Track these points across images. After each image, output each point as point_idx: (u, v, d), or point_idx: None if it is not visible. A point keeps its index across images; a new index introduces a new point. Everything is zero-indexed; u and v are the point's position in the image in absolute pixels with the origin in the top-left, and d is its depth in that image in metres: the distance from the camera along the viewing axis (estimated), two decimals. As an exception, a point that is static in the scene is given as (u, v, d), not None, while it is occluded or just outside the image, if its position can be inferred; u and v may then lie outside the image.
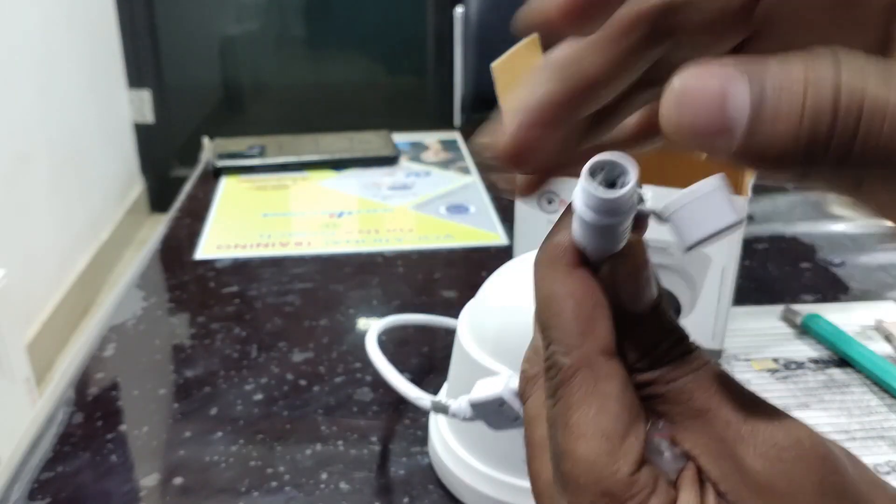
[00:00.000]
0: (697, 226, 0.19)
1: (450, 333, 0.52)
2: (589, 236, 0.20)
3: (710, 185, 0.19)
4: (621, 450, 0.19)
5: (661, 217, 0.20)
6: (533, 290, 0.22)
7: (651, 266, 0.21)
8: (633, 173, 0.19)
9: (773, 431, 0.18)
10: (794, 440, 0.18)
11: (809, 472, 0.18)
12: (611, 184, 0.19)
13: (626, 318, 0.21)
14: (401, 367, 0.53)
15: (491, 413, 0.30)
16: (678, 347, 0.20)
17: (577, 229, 0.20)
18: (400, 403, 0.50)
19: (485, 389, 0.30)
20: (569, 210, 0.21)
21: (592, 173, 0.19)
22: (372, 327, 0.47)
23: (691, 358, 0.20)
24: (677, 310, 0.51)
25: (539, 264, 0.21)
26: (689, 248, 0.19)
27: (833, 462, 0.18)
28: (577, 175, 0.20)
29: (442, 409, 0.35)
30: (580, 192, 0.20)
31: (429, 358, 0.55)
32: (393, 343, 0.56)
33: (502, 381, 0.29)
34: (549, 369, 0.20)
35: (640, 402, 0.20)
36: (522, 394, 0.23)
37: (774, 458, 0.18)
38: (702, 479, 0.19)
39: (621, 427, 0.19)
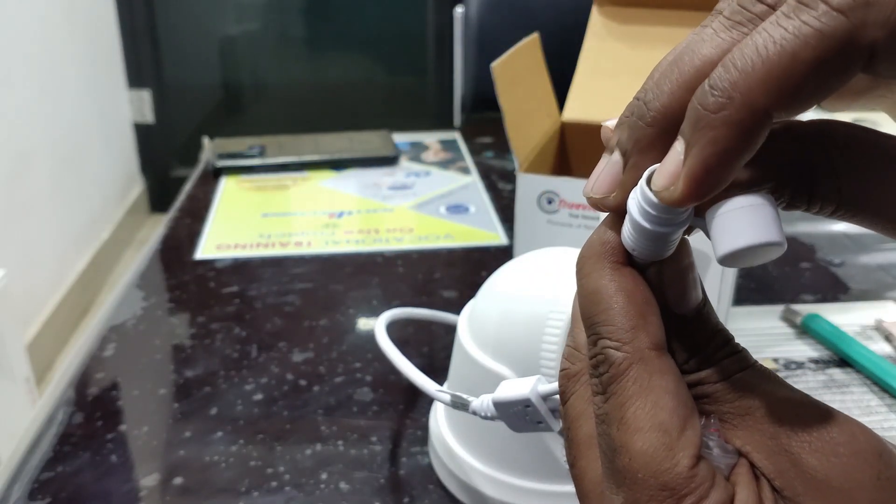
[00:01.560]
0: (734, 236, 0.18)
1: (450, 333, 0.52)
2: (641, 241, 0.20)
3: (758, 199, 0.19)
4: (679, 444, 0.18)
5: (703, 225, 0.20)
6: (578, 286, 0.21)
7: (696, 268, 0.21)
8: None
9: (827, 427, 0.18)
10: (849, 436, 0.18)
11: (866, 467, 0.18)
12: None
13: (672, 320, 0.20)
14: (401, 367, 0.54)
15: (514, 414, 0.30)
16: (725, 348, 0.20)
17: (629, 233, 0.20)
18: (400, 404, 0.50)
19: (511, 389, 0.30)
20: (615, 210, 0.21)
21: (650, 181, 0.19)
22: (379, 319, 0.46)
23: (738, 358, 0.20)
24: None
25: (585, 260, 0.21)
26: (723, 259, 0.19)
27: (889, 457, 0.18)
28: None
29: (462, 405, 0.34)
30: (639, 198, 0.20)
31: (429, 358, 0.55)
32: (393, 342, 0.56)
33: (530, 383, 0.29)
34: (597, 366, 0.20)
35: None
36: (563, 392, 0.22)
37: (830, 453, 0.18)
38: (756, 474, 0.19)
39: (678, 421, 0.19)
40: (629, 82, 0.61)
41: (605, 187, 0.21)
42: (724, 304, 0.50)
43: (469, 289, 0.64)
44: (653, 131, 0.19)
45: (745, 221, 0.18)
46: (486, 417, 0.32)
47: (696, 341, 0.20)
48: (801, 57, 0.16)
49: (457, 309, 0.44)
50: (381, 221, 0.77)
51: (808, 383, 0.50)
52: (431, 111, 2.52)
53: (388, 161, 0.92)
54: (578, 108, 0.58)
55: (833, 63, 0.16)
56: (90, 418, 0.49)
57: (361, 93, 2.59)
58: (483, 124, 1.08)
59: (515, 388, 0.29)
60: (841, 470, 0.17)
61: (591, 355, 0.20)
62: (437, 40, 2.44)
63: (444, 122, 1.23)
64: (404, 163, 0.93)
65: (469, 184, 0.87)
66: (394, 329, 0.56)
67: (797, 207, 0.19)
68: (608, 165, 0.21)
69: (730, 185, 0.18)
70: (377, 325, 0.46)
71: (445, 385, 0.47)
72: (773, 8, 0.18)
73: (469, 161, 0.93)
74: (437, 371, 0.53)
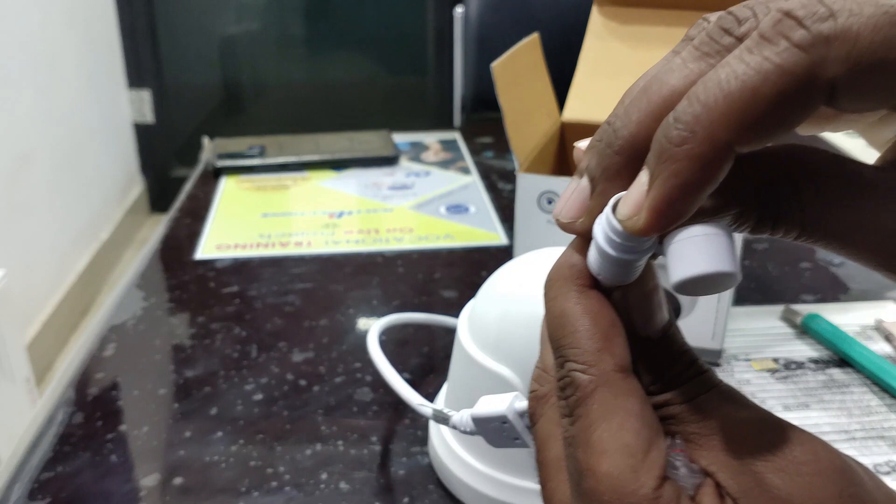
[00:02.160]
0: (688, 264, 0.19)
1: (450, 333, 0.52)
2: (606, 267, 0.20)
3: (714, 229, 0.19)
4: (644, 465, 0.19)
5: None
6: (545, 308, 0.22)
7: (661, 290, 0.21)
8: None
9: (790, 447, 0.18)
10: (812, 454, 0.18)
11: (828, 484, 0.18)
12: None
13: (638, 342, 0.21)
14: (401, 367, 0.54)
15: (492, 430, 0.30)
16: (690, 369, 0.20)
17: (594, 259, 0.21)
18: (400, 404, 0.50)
19: (489, 406, 0.30)
20: (582, 235, 0.21)
21: (616, 209, 0.19)
22: (372, 328, 0.47)
23: (703, 379, 0.20)
24: (677, 310, 0.51)
25: (551, 283, 0.21)
26: (677, 286, 0.19)
27: (850, 474, 0.18)
28: None
29: (443, 419, 0.35)
30: (604, 226, 0.20)
31: (429, 358, 0.55)
32: (393, 343, 0.56)
33: (507, 400, 0.29)
34: (564, 388, 0.20)
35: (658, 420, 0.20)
36: (533, 414, 0.22)
37: (793, 472, 0.18)
38: (721, 494, 0.19)
39: (643, 442, 0.19)
40: (629, 82, 0.61)
41: (573, 212, 0.21)
42: (724, 305, 0.50)
43: (469, 289, 0.64)
44: (620, 159, 0.19)
45: (699, 250, 0.18)
46: (465, 432, 0.32)
47: (661, 363, 0.21)
48: (762, 92, 0.16)
49: (457, 309, 0.44)
50: (381, 221, 0.77)
51: (808, 383, 0.50)
52: (431, 111, 2.52)
53: (389, 161, 0.92)
54: (578, 108, 0.58)
55: (794, 98, 0.16)
56: (90, 418, 0.49)
57: (361, 93, 2.59)
58: (483, 124, 1.08)
59: (493, 404, 0.30)
60: (804, 488, 0.18)
61: (559, 377, 0.20)
62: (437, 40, 2.43)
63: (444, 122, 1.23)
64: (404, 163, 0.93)
65: (469, 184, 0.87)
66: (394, 329, 0.56)
67: (762, 232, 0.20)
68: (577, 190, 0.21)
69: (695, 212, 0.18)
70: (370, 335, 0.46)
71: (445, 385, 0.47)
72: (741, 40, 0.18)
73: (469, 161, 0.93)
74: (438, 371, 0.53)
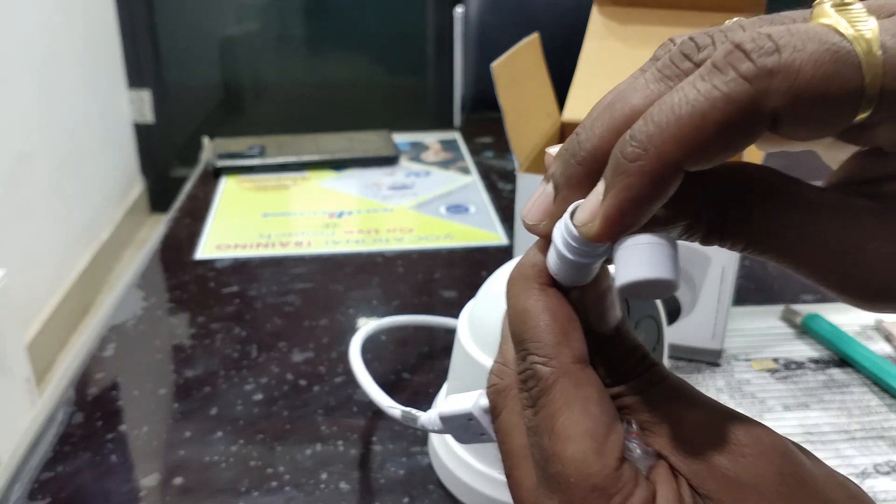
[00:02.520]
0: (632, 269, 0.20)
1: (450, 333, 0.52)
2: (564, 269, 0.22)
3: (658, 239, 0.20)
4: (605, 448, 0.20)
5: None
6: (507, 306, 0.23)
7: (614, 291, 0.23)
8: None
9: (735, 431, 0.20)
10: (754, 438, 0.20)
11: (770, 464, 0.19)
12: None
13: (593, 339, 0.22)
14: (401, 366, 0.54)
15: (459, 427, 0.32)
16: (642, 363, 0.22)
17: (553, 260, 0.22)
18: (401, 403, 0.50)
19: (455, 404, 0.32)
20: (544, 238, 0.23)
21: (574, 216, 0.21)
22: (356, 335, 0.47)
23: (654, 372, 0.22)
24: (677, 310, 0.51)
25: (514, 282, 0.23)
26: (622, 289, 0.20)
27: (790, 455, 0.20)
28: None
29: (411, 419, 0.37)
30: (563, 230, 0.21)
31: (429, 357, 0.55)
32: (393, 343, 0.56)
33: (473, 398, 0.31)
34: (526, 381, 0.22)
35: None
36: (494, 407, 0.24)
37: (738, 454, 0.20)
38: (675, 474, 0.20)
39: (603, 427, 0.21)
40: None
41: (537, 215, 0.22)
42: (724, 305, 0.50)
43: (469, 289, 0.64)
44: (582, 170, 0.21)
45: (643, 258, 0.20)
46: (433, 431, 0.34)
47: (615, 358, 0.22)
48: (710, 118, 0.18)
49: (457, 309, 0.44)
50: (381, 221, 0.77)
51: (808, 383, 0.50)
52: (431, 111, 2.52)
53: (389, 161, 0.92)
54: (578, 107, 0.58)
55: (738, 125, 0.18)
56: (90, 418, 0.49)
57: (361, 93, 2.59)
58: (483, 124, 1.08)
59: (459, 402, 0.31)
60: (749, 468, 0.19)
61: (520, 370, 0.22)
62: (437, 40, 2.43)
63: (444, 122, 1.23)
64: (404, 163, 0.93)
65: (469, 184, 0.87)
66: (394, 329, 0.56)
67: (711, 243, 0.21)
68: (542, 195, 0.23)
69: (649, 220, 0.20)
70: (353, 341, 0.47)
71: (445, 385, 0.47)
72: (698, 66, 0.19)
73: (469, 161, 0.93)
74: (438, 371, 0.53)
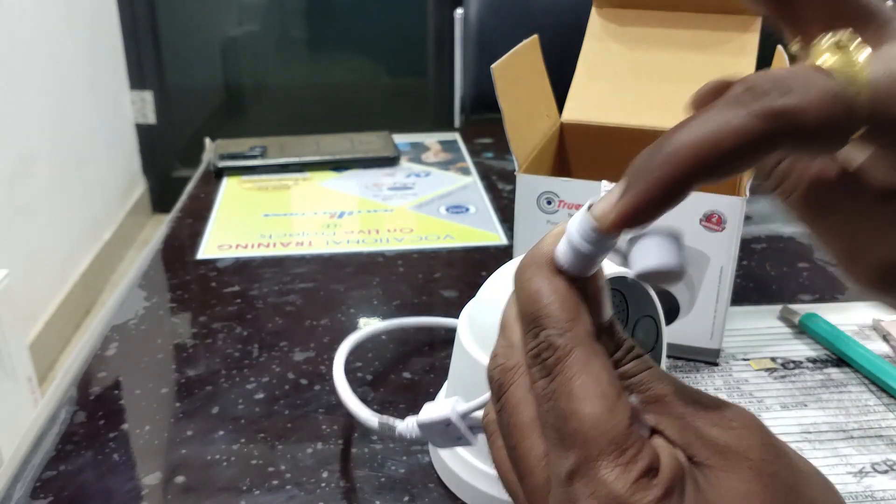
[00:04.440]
0: (650, 257, 0.23)
1: (450, 333, 0.53)
2: (573, 260, 0.24)
3: (668, 230, 0.24)
4: (618, 407, 0.23)
5: (620, 251, 0.25)
6: (518, 289, 0.25)
7: (608, 288, 0.26)
8: None
9: (721, 408, 0.23)
10: (738, 413, 0.23)
11: (753, 435, 0.23)
12: None
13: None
14: (401, 366, 0.54)
15: (437, 433, 0.34)
16: (632, 352, 0.25)
17: (563, 251, 0.24)
18: (401, 402, 0.50)
19: (432, 411, 0.34)
20: (554, 230, 0.25)
21: (591, 209, 0.23)
22: (341, 347, 0.48)
23: (642, 360, 0.25)
24: (676, 310, 0.51)
25: (525, 267, 0.25)
26: (639, 274, 0.24)
27: (768, 431, 0.23)
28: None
29: (389, 429, 0.38)
30: (579, 223, 0.24)
31: (429, 357, 0.55)
32: (394, 342, 0.56)
33: (449, 404, 0.33)
34: (540, 353, 0.24)
35: None
36: (502, 384, 0.26)
37: (726, 426, 0.23)
38: (670, 442, 0.23)
39: (615, 390, 0.23)
40: (628, 83, 0.61)
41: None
42: (723, 304, 0.50)
43: (469, 289, 0.64)
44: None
45: (657, 249, 0.23)
46: (411, 439, 0.36)
47: (609, 346, 0.25)
48: (723, 146, 0.21)
49: (457, 309, 0.44)
50: (382, 221, 0.78)
51: (806, 382, 0.51)
52: (431, 112, 2.52)
53: (389, 162, 0.92)
54: (578, 108, 0.58)
55: (746, 153, 0.21)
56: (92, 417, 0.49)
57: (362, 94, 2.60)
58: (483, 125, 1.08)
59: (436, 409, 0.33)
60: (736, 437, 0.22)
61: (534, 345, 0.24)
62: (437, 42, 2.44)
63: (444, 123, 1.24)
64: (405, 163, 0.93)
65: (469, 184, 0.87)
66: (395, 329, 0.56)
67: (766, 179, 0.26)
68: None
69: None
70: (338, 353, 0.47)
71: (445, 385, 0.47)
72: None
73: (469, 161, 0.93)
74: (438, 371, 0.53)
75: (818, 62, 0.22)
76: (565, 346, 0.23)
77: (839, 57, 0.22)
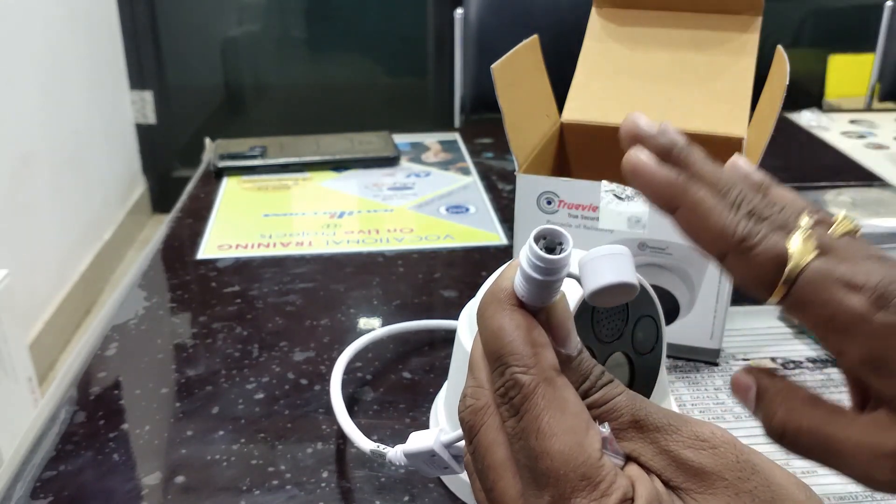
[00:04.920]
0: (598, 276, 0.24)
1: (450, 333, 0.53)
2: (530, 290, 0.25)
3: (619, 249, 0.24)
4: (587, 440, 0.23)
5: (573, 274, 0.25)
6: (481, 328, 0.26)
7: (572, 319, 0.26)
8: (569, 242, 0.24)
9: (693, 429, 0.23)
10: (709, 433, 0.23)
11: (727, 453, 0.23)
12: (550, 250, 0.24)
13: (558, 358, 0.25)
14: (401, 366, 0.54)
15: (423, 462, 0.35)
16: (602, 378, 0.25)
17: (520, 283, 0.25)
18: (400, 402, 0.50)
19: (418, 442, 0.34)
20: (511, 264, 0.26)
21: (537, 240, 0.24)
22: (338, 363, 0.48)
23: (613, 385, 0.25)
24: (675, 311, 0.51)
25: (486, 305, 0.26)
26: (590, 297, 0.24)
27: (740, 445, 0.23)
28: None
29: (380, 455, 0.39)
30: (527, 253, 0.24)
31: (429, 357, 0.55)
32: (394, 342, 0.56)
33: (433, 435, 0.34)
34: (506, 392, 0.24)
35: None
36: (472, 427, 0.26)
37: (699, 447, 0.23)
38: (646, 470, 0.23)
39: (583, 423, 0.23)
40: (628, 83, 0.61)
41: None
42: (723, 304, 0.50)
43: (469, 289, 0.64)
44: None
45: (606, 267, 0.24)
46: (400, 467, 0.36)
47: (578, 375, 0.25)
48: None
49: (457, 309, 0.44)
50: (382, 221, 0.78)
51: (806, 382, 0.51)
52: (432, 112, 2.52)
53: (389, 162, 0.92)
54: (578, 108, 0.58)
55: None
56: (92, 417, 0.49)
57: (362, 94, 2.59)
58: (483, 125, 1.08)
59: (421, 440, 0.34)
60: (710, 458, 0.23)
61: (500, 384, 0.24)
62: (437, 42, 2.44)
63: (444, 123, 1.24)
64: (405, 163, 0.93)
65: (469, 184, 0.87)
66: (394, 330, 0.56)
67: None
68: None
69: None
70: (334, 373, 0.47)
71: (445, 385, 0.47)
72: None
73: (469, 161, 0.93)
74: (438, 371, 0.53)
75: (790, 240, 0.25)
76: (530, 384, 0.23)
77: (805, 241, 0.25)
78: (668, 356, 0.53)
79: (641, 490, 0.22)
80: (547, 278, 0.24)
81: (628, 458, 0.23)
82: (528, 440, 0.23)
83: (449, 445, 0.33)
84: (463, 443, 0.33)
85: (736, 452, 0.23)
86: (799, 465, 0.40)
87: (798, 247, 0.25)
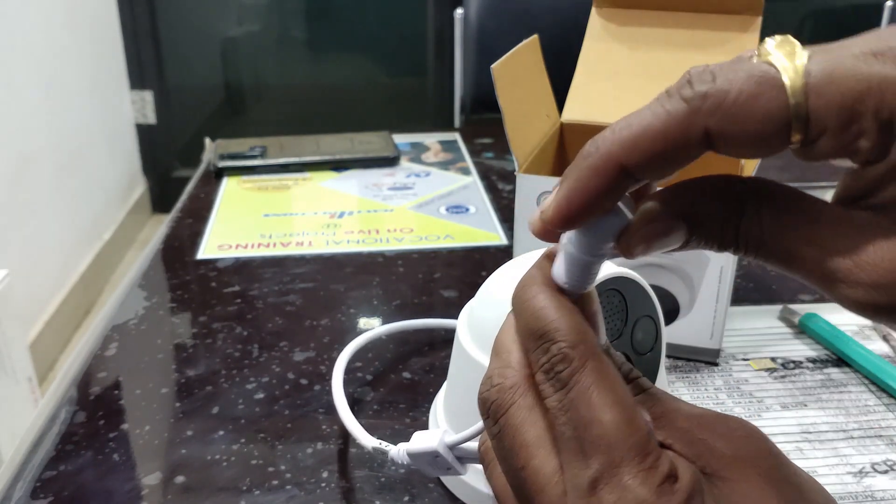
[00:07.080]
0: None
1: (450, 333, 0.53)
2: (572, 270, 0.25)
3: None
4: (637, 415, 0.23)
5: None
6: (520, 309, 0.25)
7: (602, 316, 0.26)
8: (625, 218, 0.23)
9: (723, 421, 0.24)
10: (739, 424, 0.24)
11: (756, 443, 0.23)
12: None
13: None
14: (401, 366, 0.54)
15: (425, 462, 0.34)
16: (630, 374, 0.25)
17: (561, 267, 0.25)
18: (400, 402, 0.50)
19: (421, 442, 0.34)
20: (546, 254, 0.26)
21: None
22: (339, 360, 0.48)
23: (640, 381, 0.25)
24: (676, 310, 0.51)
25: (525, 287, 0.26)
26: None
27: (765, 437, 0.24)
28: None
29: (382, 453, 0.38)
30: (569, 233, 0.24)
31: (429, 357, 0.55)
32: (394, 342, 0.56)
33: (437, 436, 0.33)
34: (551, 368, 0.24)
35: None
36: (500, 404, 0.25)
37: (731, 437, 0.23)
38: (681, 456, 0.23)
39: (631, 400, 0.23)
40: (628, 83, 0.61)
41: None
42: (723, 304, 0.50)
43: (469, 289, 0.64)
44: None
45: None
46: (401, 466, 0.36)
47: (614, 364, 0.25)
48: (651, 128, 0.21)
49: (457, 309, 0.44)
50: (382, 221, 0.78)
51: (806, 382, 0.51)
52: (431, 112, 2.52)
53: (389, 162, 0.92)
54: (578, 108, 0.58)
55: (674, 137, 0.21)
56: (92, 417, 0.49)
57: (362, 94, 2.60)
58: (483, 125, 1.08)
59: (425, 440, 0.34)
60: (741, 447, 0.23)
61: (546, 360, 0.24)
62: (437, 42, 2.44)
63: (444, 123, 1.24)
64: (405, 163, 0.93)
65: (469, 184, 0.87)
66: (394, 329, 0.56)
67: (726, 250, 0.23)
68: None
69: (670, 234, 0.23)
70: (335, 370, 0.47)
71: (445, 385, 0.47)
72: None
73: (469, 161, 0.93)
74: (438, 371, 0.53)
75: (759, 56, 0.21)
76: (581, 357, 0.23)
77: (781, 49, 0.21)
78: (668, 356, 0.53)
79: (683, 469, 0.22)
80: (584, 257, 0.24)
81: (662, 446, 0.23)
82: (577, 410, 0.23)
83: (453, 447, 0.33)
84: (467, 445, 0.33)
85: (762, 443, 0.23)
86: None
87: (777, 53, 0.21)
